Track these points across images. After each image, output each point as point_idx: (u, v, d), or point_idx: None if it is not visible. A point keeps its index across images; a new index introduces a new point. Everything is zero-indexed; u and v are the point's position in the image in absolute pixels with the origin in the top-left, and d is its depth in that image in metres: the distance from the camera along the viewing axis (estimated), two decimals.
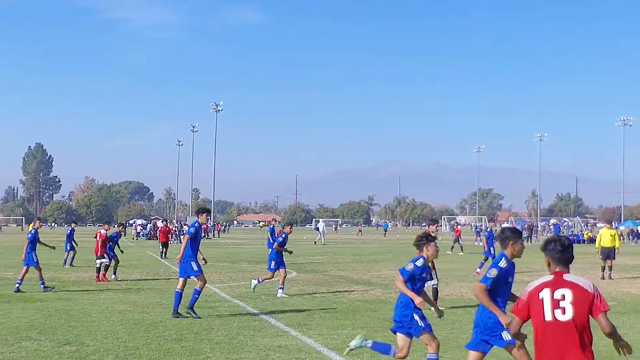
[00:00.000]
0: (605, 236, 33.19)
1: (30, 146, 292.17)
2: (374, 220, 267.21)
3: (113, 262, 29.99)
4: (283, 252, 24.60)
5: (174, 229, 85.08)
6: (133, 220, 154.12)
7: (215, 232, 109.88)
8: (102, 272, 29.48)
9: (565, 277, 7.37)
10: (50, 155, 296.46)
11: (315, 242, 77.08)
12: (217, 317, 18.95)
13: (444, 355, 13.71)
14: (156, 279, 30.25)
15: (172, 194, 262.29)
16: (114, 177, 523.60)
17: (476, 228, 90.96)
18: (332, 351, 14.12)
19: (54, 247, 29.14)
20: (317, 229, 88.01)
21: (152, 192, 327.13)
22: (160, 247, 47.44)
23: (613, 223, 36.07)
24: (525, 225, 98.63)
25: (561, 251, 7.68)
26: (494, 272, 10.73)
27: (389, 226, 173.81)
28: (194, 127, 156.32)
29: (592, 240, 73.03)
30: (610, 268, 32.27)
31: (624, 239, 79.12)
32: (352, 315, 19.41)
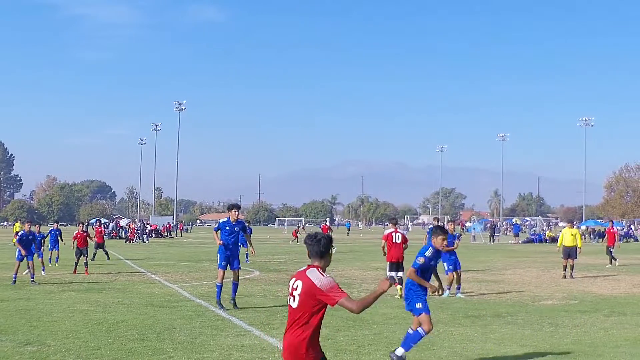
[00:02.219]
0: (566, 235, 33.44)
1: None
2: (337, 219, 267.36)
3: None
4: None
5: (136, 228, 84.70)
6: (95, 219, 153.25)
7: (178, 231, 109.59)
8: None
9: (308, 272, 8.09)
10: (12, 154, 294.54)
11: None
12: (180, 316, 18.88)
13: (406, 355, 13.72)
14: (118, 279, 30.07)
15: (135, 193, 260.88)
16: (75, 176, 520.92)
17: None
18: None
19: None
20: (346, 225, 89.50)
21: (114, 191, 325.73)
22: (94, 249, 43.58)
23: (574, 223, 36.30)
24: (488, 225, 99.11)
25: (310, 245, 8.18)
26: (421, 260, 13.62)
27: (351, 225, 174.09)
28: (156, 125, 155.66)
29: (553, 240, 73.59)
30: (572, 267, 32.49)
31: (585, 238, 79.74)
32: None
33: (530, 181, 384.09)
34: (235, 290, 21.15)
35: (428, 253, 13.70)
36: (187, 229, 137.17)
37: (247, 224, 21.66)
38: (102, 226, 40.09)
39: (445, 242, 13.86)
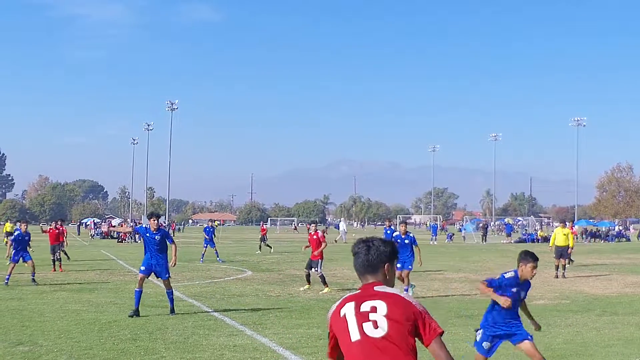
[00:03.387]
0: (559, 235, 33.55)
1: None
2: (329, 219, 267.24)
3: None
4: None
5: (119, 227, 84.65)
6: (88, 219, 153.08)
7: (170, 231, 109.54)
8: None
9: (378, 288, 5.59)
10: (3, 154, 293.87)
11: (336, 240, 78.12)
12: (172, 316, 18.87)
13: None
14: (110, 279, 30.04)
15: (127, 193, 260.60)
16: (67, 176, 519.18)
17: (434, 227, 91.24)
18: (287, 350, 14.13)
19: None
20: (337, 227, 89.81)
21: (106, 191, 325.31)
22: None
23: (567, 222, 36.35)
24: (480, 225, 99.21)
25: (357, 254, 5.81)
26: (497, 278, 11.50)
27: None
28: (149, 125, 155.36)
29: (545, 239, 73.71)
30: (564, 267, 32.59)
31: (577, 238, 79.89)
32: (307, 314, 19.44)
33: (522, 181, 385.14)
34: (171, 299, 19.72)
35: (507, 275, 11.42)
36: (179, 229, 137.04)
37: (168, 233, 20.88)
38: (58, 227, 36.92)
39: (535, 272, 11.41)
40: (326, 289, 25.48)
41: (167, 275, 19.83)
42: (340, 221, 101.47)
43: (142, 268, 19.86)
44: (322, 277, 25.87)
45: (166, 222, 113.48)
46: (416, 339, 5.59)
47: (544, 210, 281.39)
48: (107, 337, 15.48)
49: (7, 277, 27.33)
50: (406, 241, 24.67)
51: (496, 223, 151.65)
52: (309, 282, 26.33)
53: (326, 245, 26.62)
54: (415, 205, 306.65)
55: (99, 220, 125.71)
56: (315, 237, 26.52)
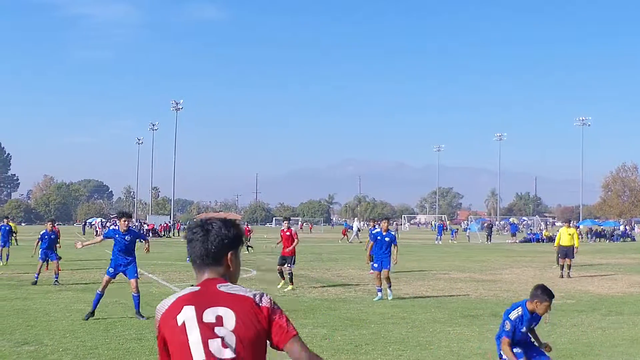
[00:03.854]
0: (564, 235, 33.52)
1: None
2: (334, 219, 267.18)
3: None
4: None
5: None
6: (93, 218, 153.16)
7: (175, 230, 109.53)
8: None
9: (221, 287, 4.55)
10: (9, 154, 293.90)
11: (350, 240, 78.54)
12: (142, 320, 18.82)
13: (403, 354, 13.76)
14: (115, 278, 29.98)
15: (132, 193, 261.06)
16: (73, 175, 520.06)
17: (439, 226, 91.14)
18: None
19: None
20: (351, 227, 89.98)
21: (111, 191, 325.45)
22: None
23: (572, 222, 36.34)
24: (485, 225, 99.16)
25: (192, 240, 4.63)
26: (507, 326, 10.64)
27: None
28: (154, 125, 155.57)
29: (550, 239, 73.66)
30: (569, 267, 32.55)
31: (582, 237, 79.80)
32: (312, 314, 19.43)
33: (527, 181, 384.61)
34: (137, 303, 19.01)
35: (513, 316, 10.72)
36: (184, 229, 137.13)
37: (141, 233, 20.36)
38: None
39: (549, 311, 11.04)
40: (290, 287, 25.90)
41: (135, 276, 19.38)
42: (354, 220, 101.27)
43: (110, 270, 19.48)
44: (290, 274, 26.36)
45: (171, 222, 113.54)
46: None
47: (549, 210, 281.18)
48: (112, 336, 15.50)
49: (36, 275, 27.76)
50: (386, 239, 23.78)
51: (501, 223, 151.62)
52: (282, 277, 26.77)
53: (298, 242, 27.34)
54: (420, 205, 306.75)
55: (104, 220, 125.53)
56: (288, 233, 26.92)
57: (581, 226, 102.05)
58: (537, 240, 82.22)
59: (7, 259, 37.15)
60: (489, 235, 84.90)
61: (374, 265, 23.85)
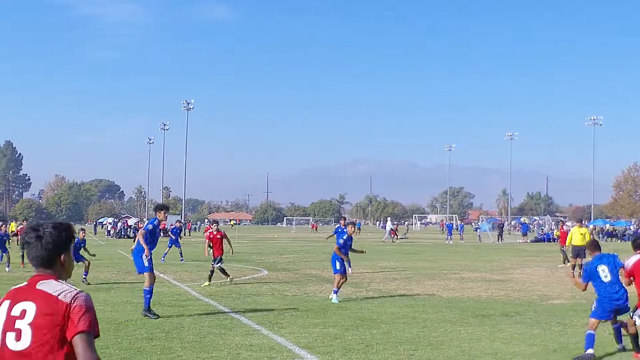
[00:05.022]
0: (575, 235, 33.46)
1: None
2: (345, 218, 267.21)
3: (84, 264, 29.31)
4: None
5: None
6: (104, 218, 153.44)
7: (186, 230, 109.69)
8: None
9: (40, 285, 4.78)
10: (20, 153, 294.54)
11: (384, 239, 78.81)
12: (188, 315, 18.89)
13: (414, 354, 13.75)
14: (126, 278, 30.08)
15: (143, 193, 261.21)
16: (84, 175, 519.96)
17: (449, 226, 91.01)
18: (303, 349, 14.13)
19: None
20: (384, 227, 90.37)
21: (122, 191, 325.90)
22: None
23: (583, 222, 36.34)
24: (496, 224, 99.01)
25: (27, 243, 4.88)
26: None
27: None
28: (164, 125, 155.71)
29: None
30: (581, 266, 32.42)
31: (594, 236, 79.73)
32: (323, 314, 19.43)
33: (538, 180, 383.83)
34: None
35: None
36: (195, 229, 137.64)
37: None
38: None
39: None
40: (206, 283, 26.91)
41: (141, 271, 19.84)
42: (387, 220, 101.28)
43: (150, 265, 19.63)
44: (212, 272, 27.62)
45: (183, 222, 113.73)
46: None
47: (560, 210, 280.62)
48: (123, 336, 15.52)
49: (84, 273, 28.51)
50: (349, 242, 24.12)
51: (512, 222, 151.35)
52: (226, 274, 27.72)
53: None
54: (431, 205, 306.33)
55: (116, 220, 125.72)
56: (219, 236, 28.20)
57: (591, 225, 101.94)
58: (549, 240, 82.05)
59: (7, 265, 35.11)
60: (500, 235, 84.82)
61: (339, 267, 23.36)
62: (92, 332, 4.75)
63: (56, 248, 4.84)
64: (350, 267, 25.42)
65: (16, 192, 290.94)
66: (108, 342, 14.65)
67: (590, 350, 13.80)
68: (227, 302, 21.78)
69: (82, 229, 32.22)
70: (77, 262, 28.84)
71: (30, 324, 4.58)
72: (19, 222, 55.02)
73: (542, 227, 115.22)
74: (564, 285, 28.19)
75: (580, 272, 31.87)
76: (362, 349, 14.33)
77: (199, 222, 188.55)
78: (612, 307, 14.21)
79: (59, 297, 4.64)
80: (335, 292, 22.89)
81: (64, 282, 4.84)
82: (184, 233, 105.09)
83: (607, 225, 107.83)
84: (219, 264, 27.76)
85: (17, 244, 36.09)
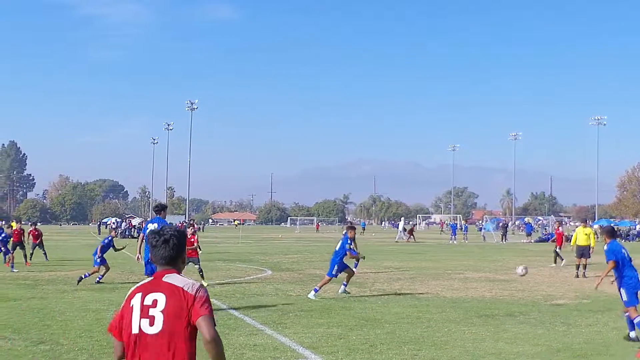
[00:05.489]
0: (580, 235, 33.47)
1: (3, 144, 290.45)
2: (349, 218, 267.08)
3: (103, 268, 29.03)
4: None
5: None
6: (108, 218, 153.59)
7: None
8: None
9: (166, 278, 5.92)
10: (24, 154, 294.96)
11: (397, 239, 79.00)
12: None
13: (418, 354, 13.75)
14: (130, 278, 30.10)
15: (147, 193, 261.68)
16: (88, 175, 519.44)
17: (453, 226, 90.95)
18: (307, 349, 14.13)
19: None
20: (397, 226, 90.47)
21: (126, 191, 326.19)
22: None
23: (588, 222, 36.30)
24: (500, 224, 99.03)
25: (154, 246, 6.03)
26: None
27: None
28: (168, 125, 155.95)
29: (566, 239, 73.42)
30: (585, 266, 32.46)
31: (598, 237, 79.61)
32: (327, 314, 19.43)
33: (542, 180, 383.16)
34: None
35: None
36: (200, 229, 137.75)
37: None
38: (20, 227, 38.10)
39: None
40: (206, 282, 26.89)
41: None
42: (401, 220, 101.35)
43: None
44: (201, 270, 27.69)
45: (187, 222, 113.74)
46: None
47: (564, 210, 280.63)
48: None
49: (99, 276, 28.37)
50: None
51: (516, 222, 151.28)
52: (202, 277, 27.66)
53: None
54: (435, 205, 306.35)
55: (120, 220, 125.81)
56: (192, 239, 28.17)
57: (596, 225, 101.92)
58: (553, 240, 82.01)
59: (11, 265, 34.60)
60: (504, 235, 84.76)
61: (334, 272, 23.85)
62: (212, 315, 5.80)
63: (179, 249, 6.04)
64: (355, 268, 26.09)
65: (20, 192, 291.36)
66: (112, 342, 14.64)
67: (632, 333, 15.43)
68: (231, 302, 21.78)
69: (114, 229, 32.54)
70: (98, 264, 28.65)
71: (162, 311, 5.74)
72: (32, 223, 54.96)
73: (546, 227, 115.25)
74: (568, 285, 28.19)
75: (584, 272, 31.98)
76: (366, 349, 14.33)
77: (202, 222, 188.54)
78: (637, 289, 15.64)
79: (185, 289, 5.79)
80: (316, 290, 23.36)
81: (184, 276, 6.01)
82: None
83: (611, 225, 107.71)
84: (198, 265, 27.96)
85: (27, 243, 36.10)
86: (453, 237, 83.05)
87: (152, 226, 19.84)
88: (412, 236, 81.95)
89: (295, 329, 16.83)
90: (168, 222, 21.22)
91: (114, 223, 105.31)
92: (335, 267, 23.69)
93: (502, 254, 53.61)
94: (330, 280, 23.69)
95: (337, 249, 24.11)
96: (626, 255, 16.33)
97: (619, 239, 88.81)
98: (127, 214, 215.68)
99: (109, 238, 30.00)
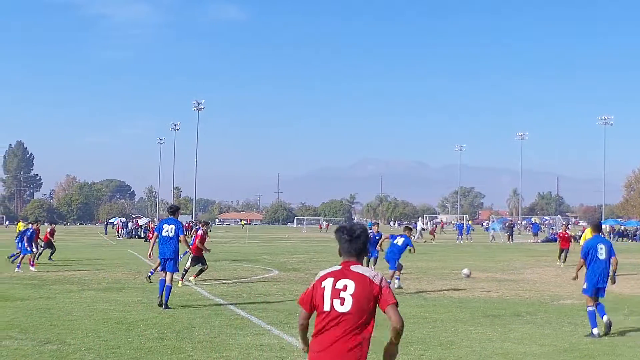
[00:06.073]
0: (589, 235, 33.43)
1: (11, 144, 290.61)
2: (355, 218, 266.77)
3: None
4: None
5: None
6: (115, 218, 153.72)
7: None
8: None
9: (353, 268, 7.05)
10: (31, 154, 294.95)
11: (415, 239, 79.29)
12: (199, 315, 18.91)
13: (424, 354, 13.74)
14: (137, 278, 30.10)
15: (154, 192, 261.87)
16: (95, 175, 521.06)
17: (459, 226, 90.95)
18: None
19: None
20: (415, 226, 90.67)
21: (133, 191, 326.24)
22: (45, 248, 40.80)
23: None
24: (506, 224, 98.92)
25: (348, 241, 7.12)
26: None
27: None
28: (175, 125, 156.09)
29: (573, 239, 73.32)
30: None
31: (610, 237, 79.52)
32: None
33: (549, 180, 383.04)
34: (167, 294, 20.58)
35: None
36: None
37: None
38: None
39: None
40: (180, 283, 26.61)
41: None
42: (418, 219, 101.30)
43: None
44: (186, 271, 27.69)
45: (194, 222, 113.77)
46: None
47: (571, 210, 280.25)
48: (134, 336, 15.54)
49: (150, 272, 28.74)
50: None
51: (523, 222, 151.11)
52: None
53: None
54: (441, 205, 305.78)
55: (126, 220, 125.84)
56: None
57: (603, 225, 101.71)
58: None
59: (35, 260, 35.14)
60: (511, 235, 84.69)
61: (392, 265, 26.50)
62: (397, 303, 7.00)
63: (365, 244, 7.17)
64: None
65: (27, 192, 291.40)
66: (119, 342, 14.68)
67: (595, 330, 15.95)
68: (238, 302, 21.79)
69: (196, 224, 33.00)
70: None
71: (351, 295, 6.86)
72: (50, 222, 54.95)
73: (553, 227, 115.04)
74: (574, 285, 28.14)
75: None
76: (373, 349, 14.30)
77: (209, 222, 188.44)
78: (595, 282, 16.58)
79: (372, 279, 6.92)
80: (398, 279, 26.72)
81: (367, 267, 7.41)
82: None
83: (618, 225, 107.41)
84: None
85: (41, 245, 36.19)
86: (460, 237, 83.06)
87: (167, 226, 21.14)
88: (433, 236, 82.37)
89: None
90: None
91: (119, 223, 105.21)
92: (395, 262, 26.20)
93: (508, 254, 53.56)
94: (395, 273, 26.32)
95: (400, 244, 26.49)
96: (603, 250, 17.60)
97: (625, 239, 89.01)
98: (134, 214, 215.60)
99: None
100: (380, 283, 6.94)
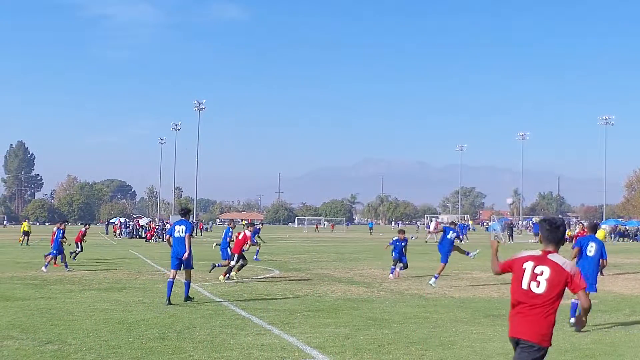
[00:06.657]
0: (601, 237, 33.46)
1: (12, 144, 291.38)
2: (356, 218, 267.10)
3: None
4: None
5: (156, 227, 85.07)
6: (115, 218, 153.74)
7: (198, 230, 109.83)
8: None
9: (550, 256, 8.31)
10: (32, 154, 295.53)
11: (426, 240, 79.51)
12: (200, 315, 18.91)
13: (425, 354, 13.74)
14: (138, 278, 30.11)
15: (155, 193, 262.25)
16: (95, 175, 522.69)
17: (461, 226, 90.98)
18: (314, 349, 14.12)
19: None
20: (428, 227, 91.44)
21: (134, 191, 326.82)
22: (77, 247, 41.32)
23: (598, 222, 36.32)
24: (506, 224, 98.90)
25: (549, 230, 8.43)
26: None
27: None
28: (176, 125, 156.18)
29: (570, 239, 73.20)
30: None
31: (606, 237, 79.42)
32: (335, 314, 19.42)
33: (550, 180, 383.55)
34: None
35: None
36: (207, 228, 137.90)
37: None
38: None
39: None
40: (221, 277, 28.29)
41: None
42: (431, 221, 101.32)
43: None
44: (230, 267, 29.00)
45: (194, 222, 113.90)
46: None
47: (572, 210, 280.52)
48: (135, 336, 15.53)
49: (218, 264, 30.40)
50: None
51: (524, 222, 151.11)
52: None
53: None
54: (442, 205, 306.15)
55: (127, 220, 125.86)
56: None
57: (604, 225, 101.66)
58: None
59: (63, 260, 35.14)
60: (511, 235, 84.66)
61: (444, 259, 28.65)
62: (585, 287, 8.42)
63: (563, 235, 8.44)
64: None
65: (28, 192, 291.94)
66: (120, 342, 14.68)
67: (572, 320, 16.71)
68: (239, 302, 21.78)
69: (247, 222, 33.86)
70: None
71: (546, 280, 8.14)
72: (84, 223, 55.22)
73: None
74: None
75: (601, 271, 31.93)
76: (374, 349, 14.32)
77: (210, 222, 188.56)
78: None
79: (564, 267, 8.17)
80: (436, 277, 27.62)
81: (561, 255, 8.35)
82: (196, 233, 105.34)
83: (619, 225, 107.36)
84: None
85: (67, 244, 36.19)
86: (461, 236, 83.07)
87: (178, 227, 22.11)
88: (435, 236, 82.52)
89: (303, 329, 16.83)
90: (175, 222, 22.46)
91: (119, 224, 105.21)
92: (446, 255, 28.48)
93: (509, 253, 53.36)
94: (445, 266, 28.42)
95: (451, 237, 29.04)
96: (593, 248, 18.35)
97: (626, 239, 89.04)
98: (135, 214, 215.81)
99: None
100: (571, 270, 8.19)
